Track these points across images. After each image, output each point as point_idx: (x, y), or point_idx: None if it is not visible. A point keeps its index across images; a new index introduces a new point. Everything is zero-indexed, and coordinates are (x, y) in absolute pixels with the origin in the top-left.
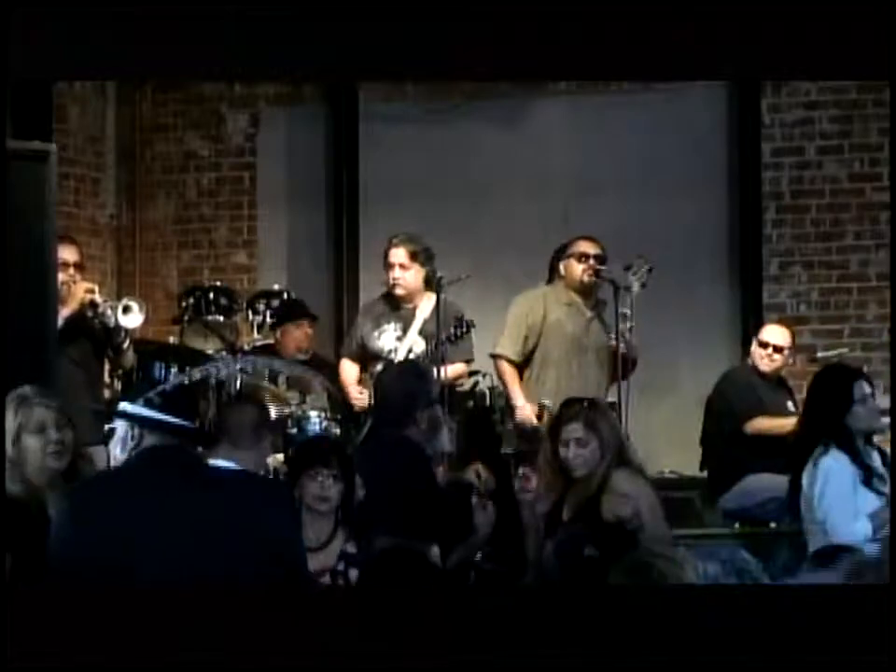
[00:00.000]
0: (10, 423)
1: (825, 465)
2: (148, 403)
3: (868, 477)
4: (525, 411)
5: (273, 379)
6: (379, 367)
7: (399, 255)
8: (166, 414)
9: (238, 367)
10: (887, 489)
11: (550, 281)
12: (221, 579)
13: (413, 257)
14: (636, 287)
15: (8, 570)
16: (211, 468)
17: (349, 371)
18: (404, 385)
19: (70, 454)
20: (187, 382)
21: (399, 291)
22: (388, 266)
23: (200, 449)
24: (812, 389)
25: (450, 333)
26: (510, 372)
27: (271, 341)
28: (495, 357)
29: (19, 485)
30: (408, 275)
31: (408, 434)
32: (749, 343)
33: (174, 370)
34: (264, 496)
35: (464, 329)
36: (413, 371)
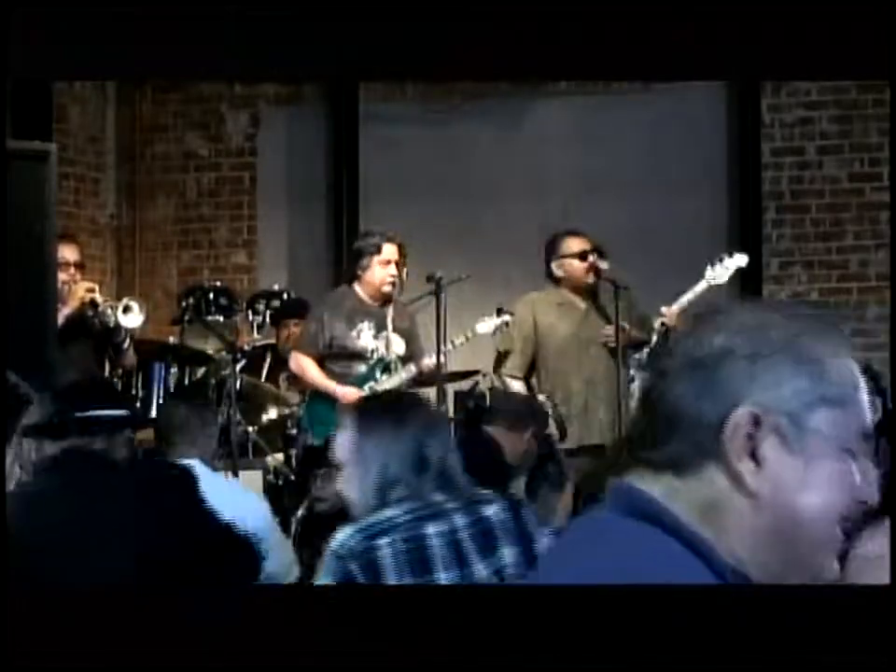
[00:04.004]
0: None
1: None
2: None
3: None
4: None
5: (274, 379)
6: (361, 368)
7: (394, 251)
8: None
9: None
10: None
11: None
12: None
13: (404, 254)
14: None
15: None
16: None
17: (316, 369)
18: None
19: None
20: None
21: (389, 289)
22: (384, 262)
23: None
24: None
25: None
26: (520, 387)
27: (271, 340)
28: (502, 376)
29: None
30: (397, 272)
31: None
32: None
33: (173, 370)
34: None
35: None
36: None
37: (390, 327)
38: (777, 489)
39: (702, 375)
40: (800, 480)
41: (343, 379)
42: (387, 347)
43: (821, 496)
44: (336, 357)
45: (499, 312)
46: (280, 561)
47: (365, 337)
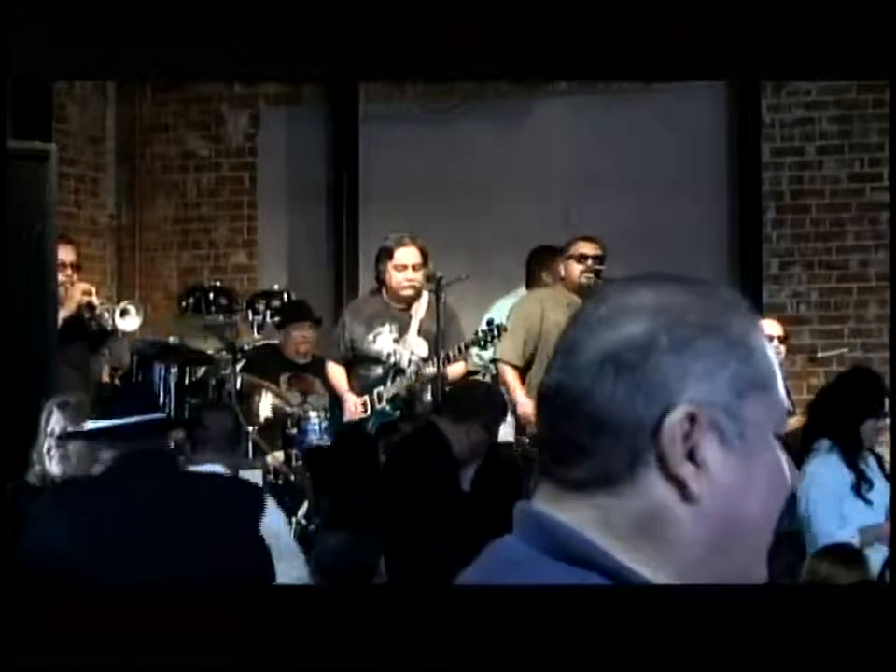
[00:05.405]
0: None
1: (813, 467)
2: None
3: (858, 483)
4: (528, 408)
5: (274, 379)
6: (378, 371)
7: (412, 255)
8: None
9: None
10: (875, 497)
11: (528, 285)
12: (207, 579)
13: (425, 256)
14: None
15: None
16: (189, 473)
17: (338, 374)
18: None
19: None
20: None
21: (409, 293)
22: (399, 267)
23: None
24: (835, 388)
25: (478, 339)
26: (512, 375)
27: (274, 340)
28: (495, 361)
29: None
30: (419, 276)
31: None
32: None
33: (173, 370)
34: (243, 496)
35: (495, 334)
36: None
37: (414, 330)
38: (720, 492)
39: (628, 374)
40: (741, 480)
41: (362, 382)
42: (407, 352)
43: (762, 496)
44: (358, 361)
45: (489, 324)
46: (290, 565)
47: (382, 341)
